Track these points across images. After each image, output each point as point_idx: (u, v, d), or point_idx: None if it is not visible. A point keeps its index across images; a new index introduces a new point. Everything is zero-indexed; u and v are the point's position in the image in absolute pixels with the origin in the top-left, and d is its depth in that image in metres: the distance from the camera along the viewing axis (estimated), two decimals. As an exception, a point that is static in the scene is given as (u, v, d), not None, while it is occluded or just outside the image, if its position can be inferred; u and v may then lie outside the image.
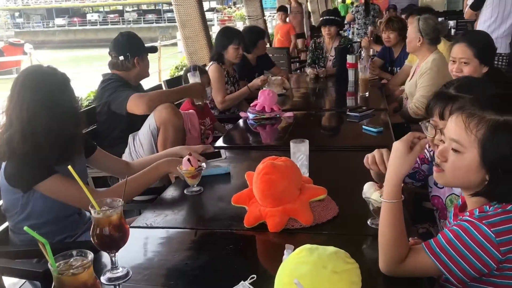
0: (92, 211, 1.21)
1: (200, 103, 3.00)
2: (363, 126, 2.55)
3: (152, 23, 42.89)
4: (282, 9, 8.66)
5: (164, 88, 3.52)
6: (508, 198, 1.09)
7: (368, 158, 1.54)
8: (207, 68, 3.61)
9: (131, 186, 1.80)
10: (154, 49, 3.02)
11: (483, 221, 1.04)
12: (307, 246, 0.96)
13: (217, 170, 2.00)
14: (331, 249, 0.94)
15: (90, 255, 1.00)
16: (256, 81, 3.59)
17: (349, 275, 0.90)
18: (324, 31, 4.63)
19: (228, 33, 3.73)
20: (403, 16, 5.01)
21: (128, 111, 2.49)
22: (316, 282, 0.87)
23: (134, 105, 2.46)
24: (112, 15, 47.37)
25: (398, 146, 1.17)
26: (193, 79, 2.94)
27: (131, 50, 2.72)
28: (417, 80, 3.16)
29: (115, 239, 1.22)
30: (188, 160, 1.73)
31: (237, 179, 1.93)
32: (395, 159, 1.17)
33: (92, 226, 1.22)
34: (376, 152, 1.50)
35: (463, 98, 1.42)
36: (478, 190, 1.11)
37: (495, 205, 1.09)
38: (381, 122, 2.66)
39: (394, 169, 1.17)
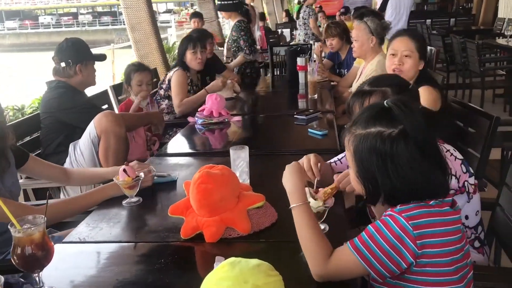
0: (12, 230, 1.15)
1: (158, 132, 3.09)
2: (309, 129, 2.56)
3: (108, 25, 42.04)
4: (197, 15, 6.83)
5: (110, 93, 3.45)
6: (390, 202, 1.14)
7: None
8: (171, 73, 3.55)
9: (68, 208, 1.74)
10: (101, 57, 2.94)
11: (402, 214, 1.07)
12: (230, 260, 0.94)
13: (164, 178, 1.94)
14: (254, 262, 0.92)
15: (1, 280, 0.94)
16: (217, 83, 3.52)
17: (271, 288, 0.89)
18: None
19: (184, 39, 3.69)
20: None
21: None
22: (236, 298, 0.85)
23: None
24: (65, 18, 46.10)
25: (294, 164, 1.38)
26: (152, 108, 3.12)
27: (73, 57, 2.65)
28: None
29: (38, 259, 1.16)
30: (124, 170, 1.68)
31: (180, 187, 1.90)
32: (292, 175, 1.34)
33: (12, 246, 1.15)
34: (304, 159, 1.53)
35: (375, 91, 1.57)
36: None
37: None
38: (327, 125, 2.68)
39: (292, 182, 1.33)
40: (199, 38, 3.68)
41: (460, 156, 1.62)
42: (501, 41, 6.92)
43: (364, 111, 1.20)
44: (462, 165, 1.60)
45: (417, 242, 1.05)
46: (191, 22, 6.74)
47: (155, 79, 3.86)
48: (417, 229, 1.05)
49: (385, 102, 1.15)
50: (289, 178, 1.34)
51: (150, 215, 1.69)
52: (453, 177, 1.54)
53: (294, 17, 8.78)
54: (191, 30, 5.22)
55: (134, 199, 1.74)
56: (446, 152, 1.57)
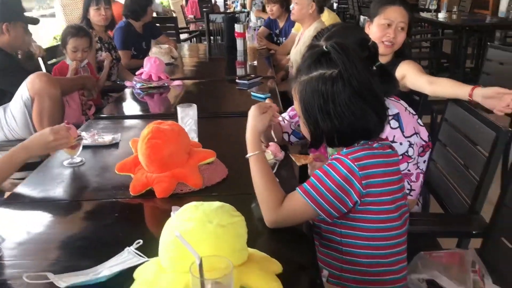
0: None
1: (92, 96, 2.92)
2: (252, 93, 2.58)
3: (26, -9, 39.16)
4: None
5: (39, 58, 3.24)
6: (331, 144, 1.22)
7: None
8: None
9: None
10: (33, 21, 2.73)
11: (349, 156, 1.12)
12: (192, 203, 0.94)
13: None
14: (216, 204, 0.93)
15: None
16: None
17: (234, 228, 0.90)
18: None
19: None
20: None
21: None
22: (201, 237, 0.86)
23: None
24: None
25: (252, 109, 1.38)
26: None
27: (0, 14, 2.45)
28: (301, 48, 3.26)
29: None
30: (66, 129, 1.61)
31: (121, 148, 1.85)
32: (251, 120, 1.36)
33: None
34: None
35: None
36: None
37: (361, 141, 1.18)
38: (269, 89, 2.71)
39: (251, 128, 1.35)
40: None
41: (413, 112, 1.62)
42: (425, 14, 7.26)
43: (305, 58, 1.22)
44: (419, 120, 1.61)
45: (363, 182, 1.11)
46: None
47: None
48: (363, 169, 1.11)
49: (324, 46, 1.19)
50: (249, 122, 1.36)
51: (95, 174, 1.63)
52: (417, 135, 1.56)
53: None
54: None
55: (77, 160, 1.67)
56: (405, 110, 1.57)
